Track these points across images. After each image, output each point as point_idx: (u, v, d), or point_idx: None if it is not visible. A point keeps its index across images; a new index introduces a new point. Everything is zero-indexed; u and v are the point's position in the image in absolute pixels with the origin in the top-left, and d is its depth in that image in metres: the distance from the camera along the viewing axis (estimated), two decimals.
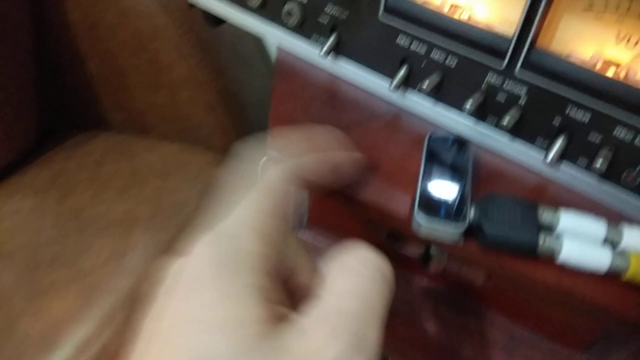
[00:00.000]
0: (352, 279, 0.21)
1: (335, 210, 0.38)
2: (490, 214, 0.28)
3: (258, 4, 0.40)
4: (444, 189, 0.30)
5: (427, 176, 0.30)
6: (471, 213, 0.29)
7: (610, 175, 0.30)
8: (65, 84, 0.80)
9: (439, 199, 0.29)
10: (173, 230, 0.66)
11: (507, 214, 0.28)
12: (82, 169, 0.75)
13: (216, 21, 0.47)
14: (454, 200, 0.29)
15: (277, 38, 0.41)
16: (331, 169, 0.27)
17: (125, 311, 0.59)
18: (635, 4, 0.26)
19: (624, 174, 0.30)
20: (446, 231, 0.28)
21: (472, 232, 0.29)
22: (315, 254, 0.40)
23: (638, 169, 0.29)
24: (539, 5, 0.27)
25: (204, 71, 0.74)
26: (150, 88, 0.78)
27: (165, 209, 0.69)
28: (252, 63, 0.86)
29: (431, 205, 0.28)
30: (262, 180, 0.23)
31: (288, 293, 0.22)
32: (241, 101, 0.83)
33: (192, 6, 0.46)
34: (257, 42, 0.86)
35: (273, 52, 0.89)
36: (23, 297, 0.59)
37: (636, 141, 0.28)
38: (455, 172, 0.31)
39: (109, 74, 0.77)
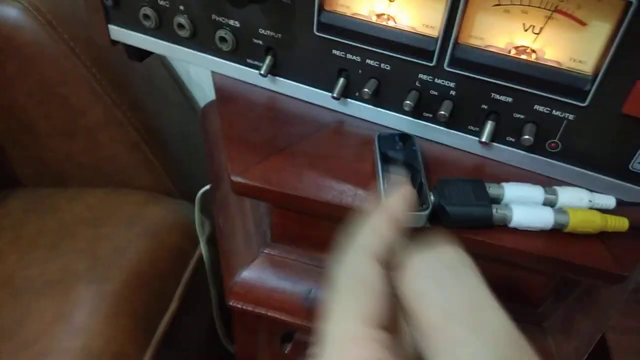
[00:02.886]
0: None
1: (300, 221, 0.39)
2: (448, 196, 0.32)
3: (188, 35, 0.40)
4: (403, 181, 0.32)
5: (386, 172, 0.33)
6: (431, 198, 0.31)
7: (536, 146, 0.35)
8: None
9: None
10: (118, 278, 0.63)
11: (461, 193, 0.32)
12: (2, 233, 0.69)
13: (141, 55, 0.47)
14: (415, 189, 0.32)
15: (212, 65, 0.42)
16: (394, 223, 0.24)
17: None
18: None
19: (547, 144, 0.34)
20: (414, 218, 0.31)
21: (435, 215, 0.32)
22: (287, 269, 0.41)
23: (558, 137, 0.34)
24: (457, 7, 0.31)
25: (121, 110, 0.72)
26: (64, 136, 0.74)
27: (104, 258, 0.66)
28: (168, 95, 0.85)
29: None
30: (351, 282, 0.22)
31: None
32: (163, 136, 0.82)
33: (115, 43, 0.45)
34: (171, 72, 0.85)
35: (189, 80, 0.88)
36: None
37: (553, 112, 0.33)
38: (408, 164, 0.34)
39: (16, 128, 0.73)
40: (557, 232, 0.32)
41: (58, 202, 0.74)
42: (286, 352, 0.48)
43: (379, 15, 0.35)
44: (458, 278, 0.21)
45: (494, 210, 0.31)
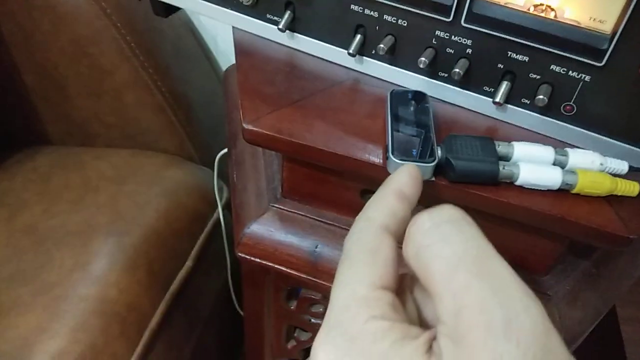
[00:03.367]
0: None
1: (309, 176, 0.40)
2: (455, 151, 0.32)
3: None
4: (411, 134, 0.32)
5: (395, 126, 0.33)
6: (438, 152, 0.32)
7: (550, 109, 0.34)
8: (1, 99, 0.77)
9: (410, 143, 0.32)
10: (137, 233, 0.65)
11: (469, 149, 0.32)
12: (29, 185, 0.72)
13: (166, 10, 0.48)
14: (422, 142, 0.32)
15: (233, 20, 0.42)
16: (401, 196, 0.25)
17: (97, 319, 0.57)
18: None
19: (562, 107, 0.34)
20: (420, 169, 0.31)
21: (440, 169, 0.32)
22: (295, 224, 0.42)
23: (573, 99, 0.33)
24: None
25: (148, 73, 0.74)
26: (92, 95, 0.76)
27: (125, 213, 0.68)
28: (195, 61, 0.86)
29: (403, 149, 0.31)
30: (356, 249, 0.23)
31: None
32: (188, 102, 0.83)
33: None
34: (199, 40, 0.86)
35: (216, 49, 0.89)
36: None
37: (570, 73, 0.32)
38: (418, 120, 0.34)
39: (48, 86, 0.75)
40: (565, 193, 0.31)
41: (84, 159, 0.77)
42: (292, 308, 0.49)
43: None
44: (460, 230, 0.21)
45: (500, 167, 0.31)
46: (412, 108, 0.35)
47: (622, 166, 0.32)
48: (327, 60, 0.40)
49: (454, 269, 0.19)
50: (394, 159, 0.31)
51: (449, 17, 0.33)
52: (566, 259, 0.39)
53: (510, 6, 0.32)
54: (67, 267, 0.61)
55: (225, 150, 0.59)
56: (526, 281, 0.20)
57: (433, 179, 0.32)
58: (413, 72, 0.37)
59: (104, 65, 0.72)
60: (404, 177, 0.25)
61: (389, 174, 0.28)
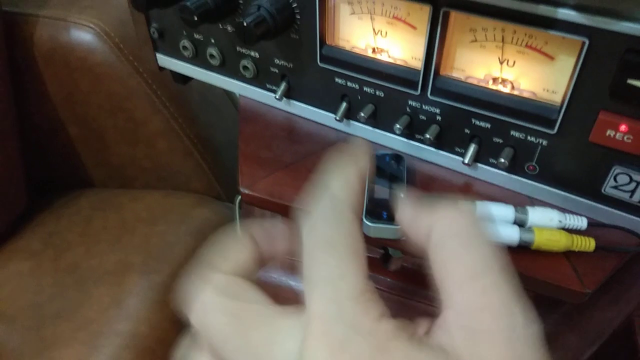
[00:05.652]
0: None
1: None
2: None
3: (218, 63, 0.47)
4: (384, 196, 0.36)
5: (371, 189, 0.37)
6: None
7: (515, 168, 0.37)
8: (49, 149, 0.86)
9: (381, 205, 0.36)
10: (166, 271, 0.71)
11: None
12: (73, 227, 0.80)
13: (184, 79, 0.54)
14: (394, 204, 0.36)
15: (238, 88, 0.48)
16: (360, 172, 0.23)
17: (129, 353, 0.63)
18: (507, 34, 0.33)
19: (526, 166, 0.37)
20: (389, 230, 0.35)
21: None
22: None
23: (535, 160, 0.36)
24: (434, 44, 0.34)
25: (177, 122, 0.81)
26: (128, 143, 0.84)
27: (156, 253, 0.74)
28: (221, 108, 0.93)
29: (375, 212, 0.35)
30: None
31: None
32: (214, 144, 0.90)
33: (162, 69, 0.53)
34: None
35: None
36: (31, 355, 0.63)
37: (528, 138, 0.35)
38: (392, 181, 0.38)
39: (89, 136, 0.83)
40: (525, 249, 0.34)
41: (121, 201, 0.84)
42: None
43: (374, 49, 0.39)
44: (480, 238, 0.20)
45: None
46: (388, 171, 0.39)
47: (581, 222, 0.35)
48: (319, 123, 0.45)
49: (488, 268, 0.19)
50: (366, 222, 0.35)
51: (417, 91, 0.37)
52: (543, 303, 0.42)
53: (470, 81, 0.36)
54: (104, 304, 0.67)
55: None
56: None
57: (403, 238, 0.35)
58: (393, 134, 0.41)
59: (138, 117, 0.80)
60: (365, 160, 0.23)
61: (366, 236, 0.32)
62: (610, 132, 0.32)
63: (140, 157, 0.86)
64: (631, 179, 0.33)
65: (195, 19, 0.38)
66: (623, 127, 0.31)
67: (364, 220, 0.35)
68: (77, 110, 0.80)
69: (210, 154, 0.88)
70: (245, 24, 0.36)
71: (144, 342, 0.64)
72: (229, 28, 0.43)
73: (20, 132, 0.79)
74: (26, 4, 0.76)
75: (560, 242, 0.33)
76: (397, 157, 0.40)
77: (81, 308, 0.67)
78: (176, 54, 0.50)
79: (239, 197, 0.76)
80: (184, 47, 0.48)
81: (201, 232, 0.79)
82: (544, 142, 0.35)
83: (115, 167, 0.88)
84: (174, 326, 0.68)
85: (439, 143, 0.39)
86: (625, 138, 0.31)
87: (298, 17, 0.39)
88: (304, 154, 0.42)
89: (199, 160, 0.86)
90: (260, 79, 0.46)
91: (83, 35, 0.73)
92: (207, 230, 0.79)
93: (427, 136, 0.38)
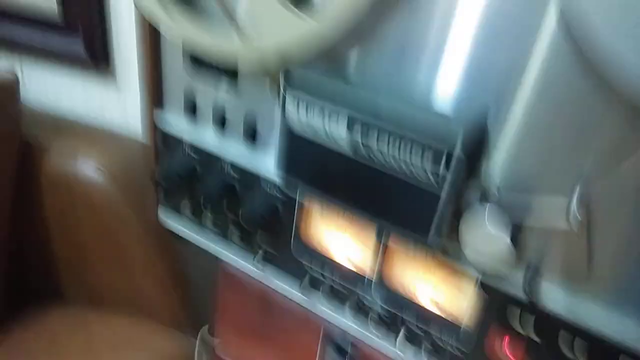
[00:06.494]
0: None
1: None
2: None
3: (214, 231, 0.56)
4: None
5: None
6: None
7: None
8: (30, 260, 0.91)
9: None
10: None
11: None
12: (39, 341, 0.83)
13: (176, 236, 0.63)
14: None
15: (220, 254, 0.57)
16: None
17: None
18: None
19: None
20: None
21: None
22: None
23: None
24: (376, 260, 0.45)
25: (157, 252, 0.88)
26: (109, 266, 0.90)
27: None
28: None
29: None
30: None
31: None
32: (187, 278, 0.96)
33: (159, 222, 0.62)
34: None
35: None
36: None
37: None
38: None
39: (74, 254, 0.89)
40: None
41: (90, 320, 0.88)
42: None
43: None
44: None
45: None
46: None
47: None
48: (291, 299, 0.53)
49: None
50: None
51: (363, 284, 0.47)
52: None
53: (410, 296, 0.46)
54: None
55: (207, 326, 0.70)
56: None
57: None
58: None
59: (124, 244, 0.86)
60: None
61: None
62: None
63: (117, 279, 0.91)
64: None
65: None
66: None
67: None
68: (68, 231, 0.87)
69: (181, 286, 0.94)
70: None
71: None
72: None
73: (9, 247, 0.85)
74: (42, 129, 0.85)
75: None
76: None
77: None
78: (177, 216, 0.59)
79: (201, 331, 0.81)
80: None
81: None
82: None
83: (91, 286, 0.93)
84: None
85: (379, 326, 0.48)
86: None
87: None
88: (278, 330, 0.50)
89: (170, 291, 0.92)
90: (246, 250, 0.55)
91: (89, 171, 0.82)
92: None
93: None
